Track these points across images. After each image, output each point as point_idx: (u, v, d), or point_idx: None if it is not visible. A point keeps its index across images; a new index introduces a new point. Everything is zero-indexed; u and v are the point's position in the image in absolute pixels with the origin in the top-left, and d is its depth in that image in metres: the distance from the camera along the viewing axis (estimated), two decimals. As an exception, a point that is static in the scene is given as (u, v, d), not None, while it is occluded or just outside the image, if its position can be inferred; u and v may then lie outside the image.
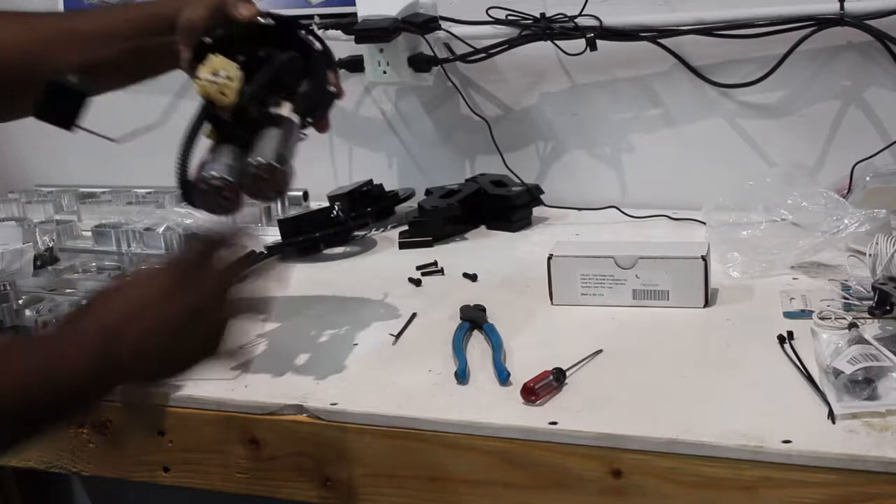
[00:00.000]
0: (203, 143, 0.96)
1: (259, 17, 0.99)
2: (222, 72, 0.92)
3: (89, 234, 1.52)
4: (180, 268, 0.83)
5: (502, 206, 1.49)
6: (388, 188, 1.58)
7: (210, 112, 0.94)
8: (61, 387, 0.74)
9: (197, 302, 0.81)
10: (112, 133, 0.97)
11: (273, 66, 0.96)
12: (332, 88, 1.04)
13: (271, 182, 0.92)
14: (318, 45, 1.02)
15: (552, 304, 1.15)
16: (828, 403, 0.85)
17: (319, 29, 1.60)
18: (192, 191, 0.93)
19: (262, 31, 0.99)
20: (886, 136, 1.43)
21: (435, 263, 1.32)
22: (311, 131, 1.05)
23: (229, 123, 0.94)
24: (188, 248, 0.86)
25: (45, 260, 1.40)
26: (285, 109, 0.97)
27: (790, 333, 1.00)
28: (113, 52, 0.99)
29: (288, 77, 0.98)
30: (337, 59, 1.62)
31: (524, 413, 0.89)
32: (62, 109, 0.94)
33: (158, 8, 1.02)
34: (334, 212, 1.46)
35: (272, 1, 1.66)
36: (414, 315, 1.14)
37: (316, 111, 1.03)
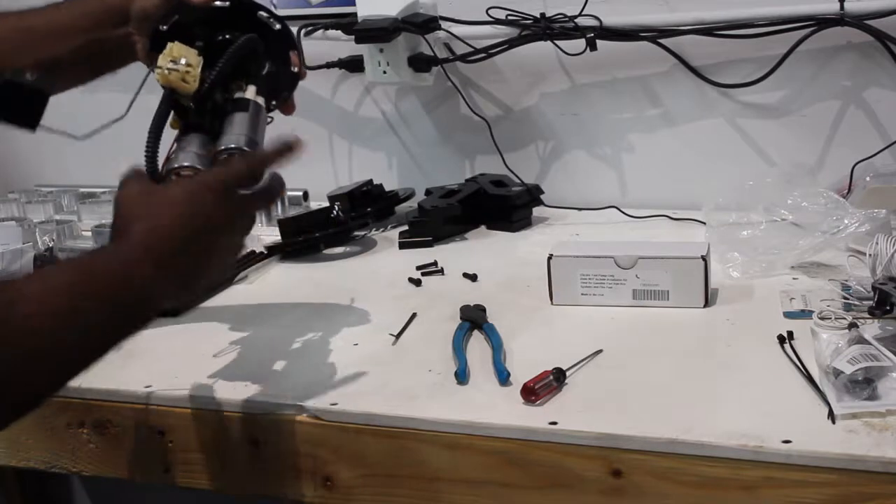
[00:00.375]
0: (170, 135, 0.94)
1: (215, 0, 0.97)
2: (182, 59, 0.91)
3: (89, 234, 1.52)
4: (223, 186, 0.84)
5: (502, 206, 1.49)
6: (388, 188, 1.58)
7: (173, 101, 0.92)
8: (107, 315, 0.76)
9: (235, 225, 0.85)
10: (76, 131, 0.97)
11: (234, 49, 0.94)
12: (294, 69, 1.01)
13: None
14: (277, 24, 1.00)
15: (552, 304, 1.15)
16: (828, 403, 0.85)
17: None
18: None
19: (218, 14, 0.97)
20: (886, 136, 1.43)
21: (435, 263, 1.32)
22: (277, 115, 1.02)
23: (193, 111, 0.93)
24: (234, 167, 0.87)
25: (45, 260, 1.40)
26: (250, 92, 0.95)
27: (790, 333, 1.00)
28: (68, 48, 0.98)
29: (249, 59, 0.96)
30: (337, 59, 1.64)
31: (524, 413, 0.89)
32: (22, 109, 0.92)
33: (111, 0, 1.00)
34: (334, 212, 1.46)
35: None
36: (414, 315, 1.14)
37: (280, 93, 1.01)
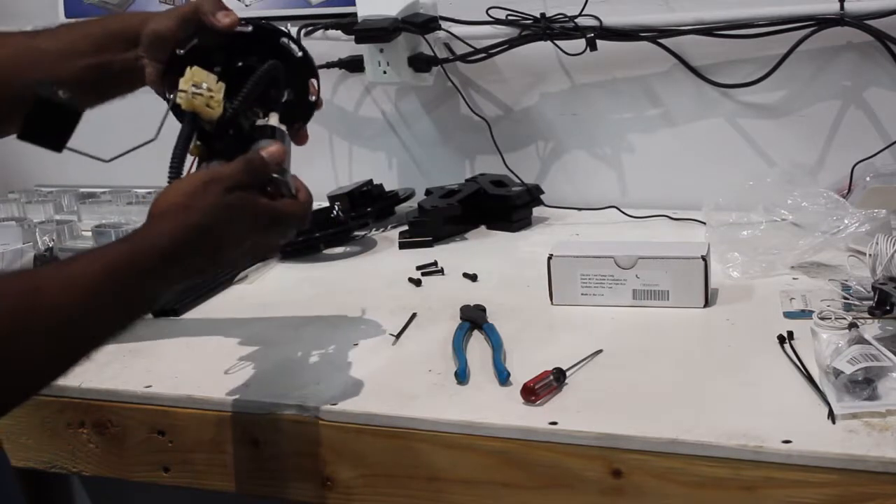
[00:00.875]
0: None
1: (237, 25, 0.95)
2: (204, 84, 0.89)
3: (89, 234, 1.52)
4: (285, 224, 0.89)
5: (502, 206, 1.49)
6: (388, 188, 1.58)
7: (196, 127, 0.90)
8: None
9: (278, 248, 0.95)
10: (102, 148, 0.95)
11: (260, 74, 0.92)
12: (312, 97, 0.99)
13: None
14: (298, 52, 0.97)
15: (552, 304, 1.15)
16: (828, 403, 0.85)
17: (308, 33, 1.58)
18: None
19: (239, 39, 0.95)
20: (886, 136, 1.43)
21: (435, 263, 1.32)
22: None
23: (215, 138, 0.91)
24: (295, 210, 0.90)
25: (45, 260, 1.40)
26: (273, 119, 0.93)
27: (790, 333, 1.00)
28: (76, 71, 0.95)
29: (271, 86, 0.94)
30: (337, 59, 1.64)
31: (524, 413, 0.89)
32: (50, 129, 0.88)
33: (121, 22, 0.98)
34: (334, 212, 1.46)
35: (273, 1, 1.66)
36: (414, 315, 1.14)
37: (295, 122, 0.98)
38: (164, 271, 0.80)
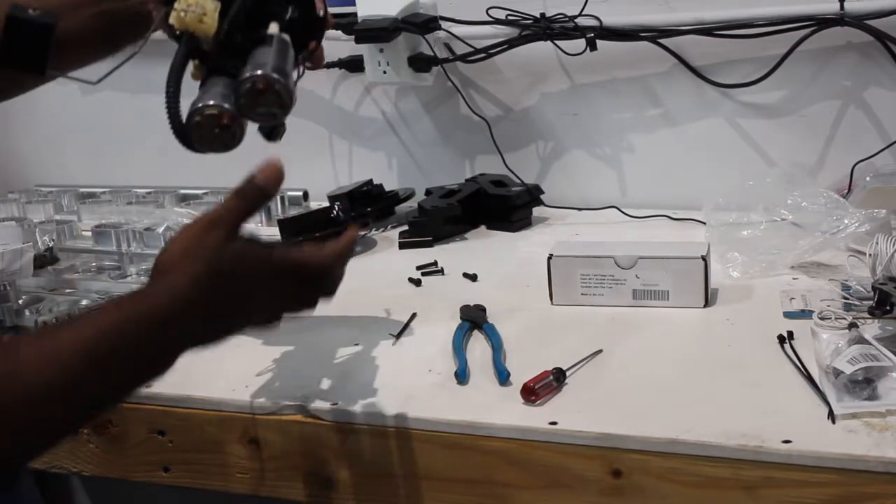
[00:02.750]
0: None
1: None
2: (199, 2, 0.86)
3: (89, 234, 1.52)
4: (303, 276, 0.84)
5: (502, 206, 1.49)
6: (388, 188, 1.58)
7: (193, 47, 0.87)
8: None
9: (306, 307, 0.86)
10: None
11: None
12: (319, 13, 0.93)
13: (270, 95, 0.84)
14: None
15: (552, 304, 1.15)
16: (828, 403, 0.85)
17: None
18: (188, 132, 0.84)
19: None
20: (886, 136, 1.43)
21: (435, 263, 1.32)
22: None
23: (214, 57, 0.88)
24: (321, 257, 0.86)
25: (45, 260, 1.40)
26: (272, 29, 0.89)
27: (790, 333, 1.00)
28: (84, 21, 0.94)
29: (271, 2, 0.90)
30: (337, 59, 1.64)
31: (524, 413, 0.89)
32: (28, 49, 0.84)
33: None
34: (334, 212, 1.46)
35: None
36: (414, 315, 1.14)
37: (306, 43, 0.93)
38: (175, 324, 0.77)
